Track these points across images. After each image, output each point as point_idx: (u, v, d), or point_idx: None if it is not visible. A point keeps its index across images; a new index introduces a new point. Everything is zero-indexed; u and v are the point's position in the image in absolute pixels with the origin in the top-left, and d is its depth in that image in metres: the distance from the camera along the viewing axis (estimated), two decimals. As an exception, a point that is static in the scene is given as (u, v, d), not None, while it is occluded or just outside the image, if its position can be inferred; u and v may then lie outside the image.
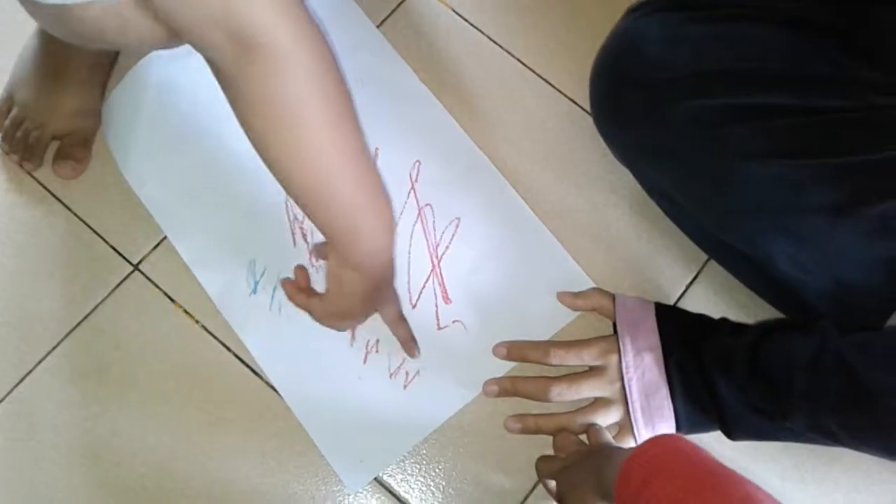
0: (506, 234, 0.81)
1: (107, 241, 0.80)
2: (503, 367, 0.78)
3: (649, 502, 0.52)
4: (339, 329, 0.76)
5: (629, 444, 0.73)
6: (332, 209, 0.64)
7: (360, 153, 0.63)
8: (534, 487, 0.76)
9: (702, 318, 0.76)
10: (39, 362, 0.78)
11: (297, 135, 0.59)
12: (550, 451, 0.75)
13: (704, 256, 0.81)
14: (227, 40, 0.54)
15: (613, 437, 0.74)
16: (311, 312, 0.74)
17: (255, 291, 0.79)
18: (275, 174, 0.62)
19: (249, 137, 0.60)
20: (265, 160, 0.61)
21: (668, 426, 0.72)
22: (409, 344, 0.77)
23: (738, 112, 0.68)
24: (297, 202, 0.64)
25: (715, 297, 0.81)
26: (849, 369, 0.62)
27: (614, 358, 0.73)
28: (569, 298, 0.79)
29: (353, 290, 0.69)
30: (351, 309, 0.72)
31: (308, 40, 0.56)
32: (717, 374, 0.69)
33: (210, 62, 0.57)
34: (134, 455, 0.76)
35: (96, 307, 0.79)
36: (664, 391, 0.71)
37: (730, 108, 0.68)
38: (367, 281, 0.69)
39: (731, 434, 0.71)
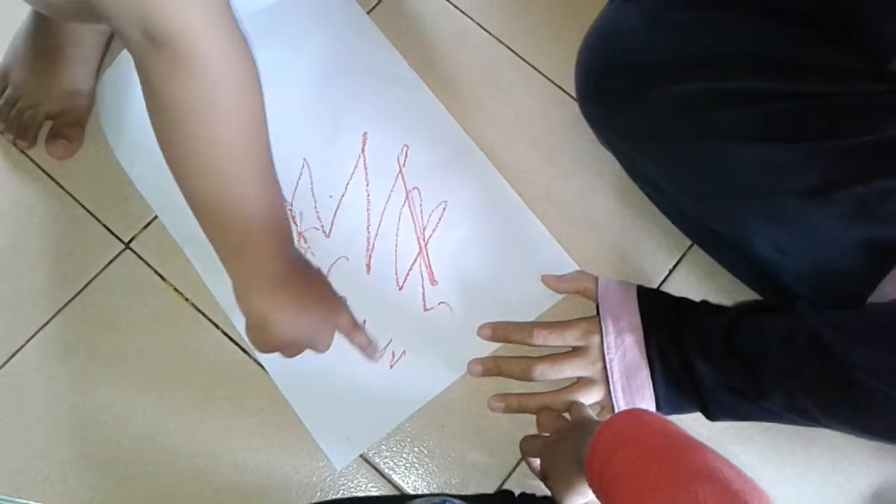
0: (492, 217, 0.82)
1: (98, 220, 0.82)
2: (488, 348, 0.79)
3: (611, 477, 0.53)
4: (289, 355, 0.72)
5: (610, 423, 0.75)
6: (219, 223, 0.64)
7: (257, 173, 0.62)
8: (517, 465, 0.77)
9: (682, 301, 0.77)
10: (30, 338, 0.79)
11: (191, 138, 0.59)
12: (533, 431, 0.77)
13: (688, 242, 0.83)
14: (140, 34, 0.54)
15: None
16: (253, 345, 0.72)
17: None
18: (171, 171, 0.62)
19: (153, 127, 0.61)
20: (163, 153, 0.61)
21: (648, 406, 0.73)
22: (369, 350, 0.77)
23: (719, 96, 0.69)
24: (189, 206, 0.64)
25: (697, 282, 0.82)
26: (823, 348, 0.63)
27: (596, 338, 0.75)
28: (553, 281, 0.80)
29: (265, 319, 0.67)
30: (281, 338, 0.69)
31: (223, 47, 0.56)
32: (695, 355, 0.71)
33: (127, 48, 0.58)
34: (122, 429, 0.77)
35: (87, 284, 0.80)
36: (644, 372, 0.73)
37: (712, 93, 0.69)
38: (276, 307, 0.66)
39: (711, 415, 0.73)
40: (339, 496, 0.76)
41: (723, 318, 0.72)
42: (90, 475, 0.76)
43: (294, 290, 0.68)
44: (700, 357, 0.70)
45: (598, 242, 0.83)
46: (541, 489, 0.75)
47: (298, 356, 0.73)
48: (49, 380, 0.78)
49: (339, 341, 0.78)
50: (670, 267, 0.83)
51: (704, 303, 0.76)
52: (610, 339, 0.74)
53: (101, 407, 0.77)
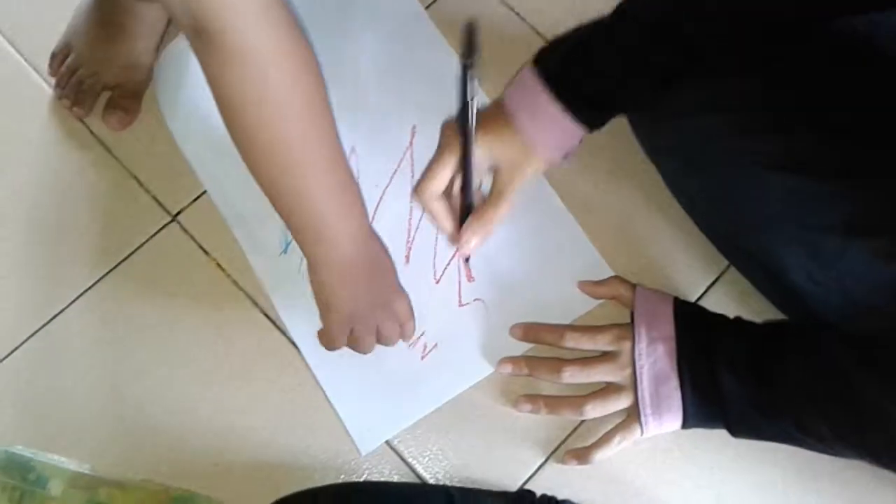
0: (533, 219, 0.83)
1: (148, 191, 0.83)
2: (519, 348, 0.79)
3: None
4: (361, 350, 0.75)
5: (635, 433, 0.75)
6: (296, 211, 0.66)
7: (321, 166, 0.64)
8: (540, 466, 0.78)
9: (718, 317, 0.77)
10: (72, 302, 0.81)
11: (247, 129, 0.60)
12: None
13: (725, 261, 0.83)
14: (190, 26, 0.56)
15: (620, 424, 0.76)
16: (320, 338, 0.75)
17: (285, 252, 0.81)
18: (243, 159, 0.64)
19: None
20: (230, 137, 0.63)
21: (674, 417, 0.73)
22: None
23: (755, 121, 0.70)
24: (262, 191, 0.66)
25: (732, 302, 0.81)
26: (845, 381, 0.64)
27: (627, 344, 0.75)
28: (589, 286, 0.81)
29: (333, 294, 0.71)
30: (344, 313, 0.72)
31: (273, 41, 0.57)
32: (722, 369, 0.71)
33: (183, 32, 0.59)
34: (156, 398, 0.78)
35: (132, 253, 0.81)
36: (674, 382, 0.73)
37: (746, 118, 0.70)
38: (345, 283, 0.70)
39: (733, 430, 0.73)
40: (361, 480, 0.77)
41: (753, 334, 0.72)
42: (121, 440, 0.77)
43: (363, 269, 0.71)
44: (727, 372, 0.71)
45: (636, 254, 0.83)
46: (563, 491, 0.75)
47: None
48: (88, 344, 0.80)
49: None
50: (707, 284, 0.83)
51: (738, 319, 0.76)
52: (642, 346, 0.74)
53: (136, 374, 0.79)
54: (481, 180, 0.76)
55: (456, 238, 0.76)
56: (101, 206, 0.83)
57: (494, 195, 0.74)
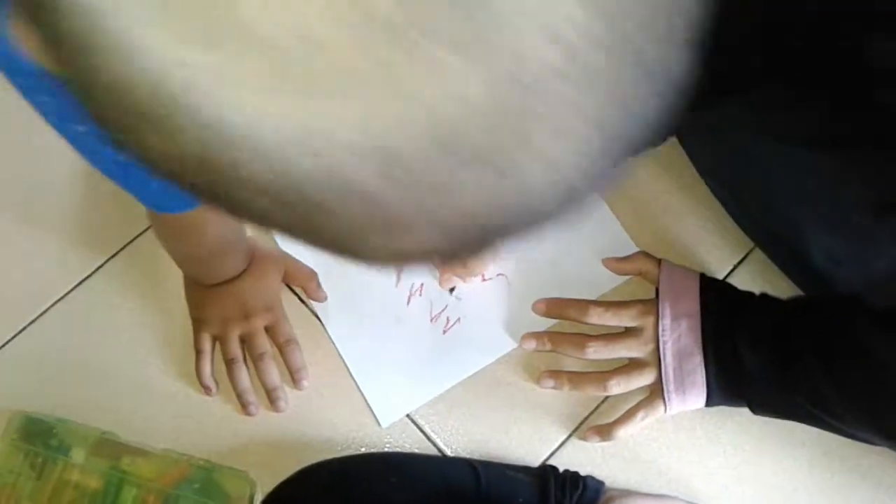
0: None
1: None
2: (541, 324, 0.79)
3: None
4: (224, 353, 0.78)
5: (659, 409, 0.74)
6: (185, 265, 0.76)
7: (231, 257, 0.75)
8: (563, 443, 0.77)
9: (744, 294, 0.76)
10: (99, 267, 0.81)
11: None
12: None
13: (751, 242, 0.82)
14: None
15: (643, 401, 0.75)
16: None
17: (310, 223, 0.81)
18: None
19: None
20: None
21: (698, 394, 0.73)
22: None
23: (784, 99, 0.69)
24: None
25: (756, 284, 0.80)
26: (867, 352, 0.63)
27: (651, 320, 0.74)
28: (614, 262, 0.80)
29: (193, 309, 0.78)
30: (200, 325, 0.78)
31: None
32: (745, 345, 0.70)
33: None
34: (179, 365, 0.79)
35: (158, 223, 0.82)
36: (698, 358, 0.72)
37: (776, 95, 0.69)
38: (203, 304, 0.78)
39: (754, 408, 0.72)
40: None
41: (778, 311, 0.71)
42: (144, 407, 0.78)
43: (223, 294, 0.77)
44: (750, 349, 0.70)
45: (662, 233, 0.82)
46: (584, 469, 0.75)
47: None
48: (113, 311, 0.80)
49: (397, 303, 0.79)
50: (733, 264, 0.82)
51: (764, 295, 0.75)
52: (666, 321, 0.73)
53: (160, 344, 0.79)
54: None
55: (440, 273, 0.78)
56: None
57: None
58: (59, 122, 0.45)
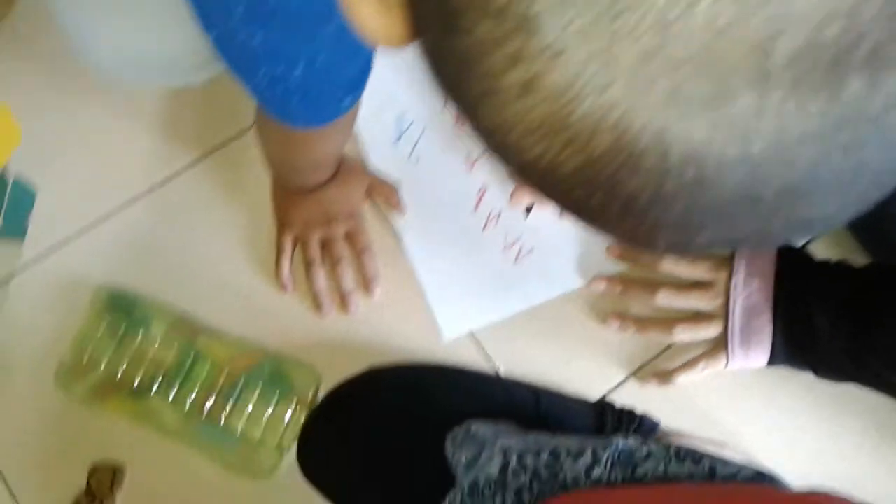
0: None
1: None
2: (612, 267, 0.80)
3: None
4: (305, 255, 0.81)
5: (720, 362, 0.75)
6: (278, 164, 0.77)
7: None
8: (622, 382, 0.79)
9: (823, 262, 0.76)
10: (196, 162, 0.84)
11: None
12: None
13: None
14: None
15: (706, 353, 0.76)
16: None
17: (399, 139, 0.83)
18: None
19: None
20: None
21: (762, 352, 0.73)
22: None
23: None
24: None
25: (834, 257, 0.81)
26: None
27: (724, 275, 0.75)
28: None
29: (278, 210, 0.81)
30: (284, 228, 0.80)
31: None
32: (818, 310, 0.70)
33: None
34: (261, 262, 0.82)
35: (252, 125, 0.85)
36: (767, 316, 0.73)
37: None
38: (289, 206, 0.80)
39: (819, 371, 0.72)
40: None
41: (855, 277, 0.71)
42: (223, 297, 0.81)
43: (311, 198, 0.80)
44: (823, 313, 0.70)
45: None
46: (641, 409, 0.76)
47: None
48: (204, 204, 0.83)
49: (473, 227, 0.81)
50: (811, 235, 0.82)
51: (842, 262, 0.75)
52: (739, 277, 0.74)
53: (245, 241, 0.82)
54: None
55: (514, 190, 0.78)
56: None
57: None
58: (240, 23, 0.47)
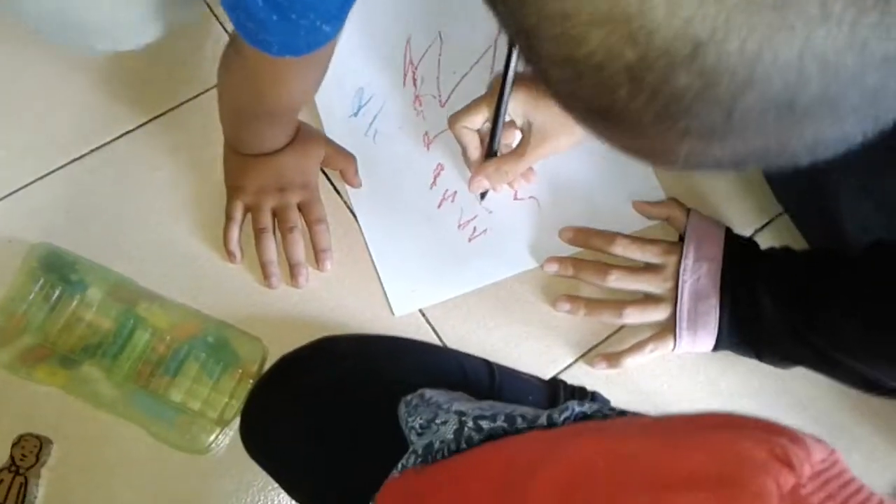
0: (599, 135, 0.84)
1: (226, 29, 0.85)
2: (564, 251, 0.80)
3: None
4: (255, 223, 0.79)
5: (668, 345, 0.76)
6: (234, 130, 0.75)
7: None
8: (570, 364, 0.79)
9: (768, 249, 0.78)
10: (146, 123, 0.82)
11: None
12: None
13: (779, 209, 0.84)
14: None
15: (654, 335, 0.77)
16: None
17: (356, 114, 0.82)
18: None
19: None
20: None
21: (708, 335, 0.74)
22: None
23: None
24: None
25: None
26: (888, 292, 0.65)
27: (674, 259, 0.76)
28: (644, 206, 0.82)
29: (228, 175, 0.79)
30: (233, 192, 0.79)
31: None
32: (763, 292, 0.72)
33: None
34: (208, 228, 0.79)
35: (209, 90, 0.83)
36: (714, 300, 0.74)
37: None
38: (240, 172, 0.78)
39: (762, 353, 0.74)
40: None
41: (798, 259, 0.74)
42: (167, 262, 0.78)
43: (264, 164, 0.78)
44: (767, 294, 0.72)
45: (692, 188, 0.84)
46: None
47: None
48: (149, 167, 0.81)
49: (429, 204, 0.81)
50: (757, 227, 0.84)
51: (787, 248, 0.77)
52: (688, 261, 0.75)
53: (191, 204, 0.80)
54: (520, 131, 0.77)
55: (472, 175, 0.78)
56: (184, 39, 0.84)
57: (517, 153, 0.76)
58: None
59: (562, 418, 0.57)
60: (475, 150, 0.78)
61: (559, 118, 0.74)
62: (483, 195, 0.81)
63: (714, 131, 0.28)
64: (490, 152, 0.77)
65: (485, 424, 0.58)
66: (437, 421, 0.59)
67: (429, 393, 0.63)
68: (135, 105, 0.82)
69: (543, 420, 0.57)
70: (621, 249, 0.78)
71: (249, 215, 0.79)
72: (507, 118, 0.75)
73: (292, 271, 0.78)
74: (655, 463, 0.41)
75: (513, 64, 0.70)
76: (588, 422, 0.56)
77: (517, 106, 0.74)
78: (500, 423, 0.58)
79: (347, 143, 0.81)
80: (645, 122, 0.29)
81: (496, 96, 0.73)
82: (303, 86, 0.71)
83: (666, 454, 0.41)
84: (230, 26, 0.77)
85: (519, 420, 0.59)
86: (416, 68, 0.84)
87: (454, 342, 0.78)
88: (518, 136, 0.77)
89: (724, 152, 0.30)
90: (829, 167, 0.71)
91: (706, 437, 0.41)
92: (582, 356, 0.79)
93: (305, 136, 0.78)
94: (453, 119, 0.77)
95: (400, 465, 0.59)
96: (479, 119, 0.76)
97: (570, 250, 0.81)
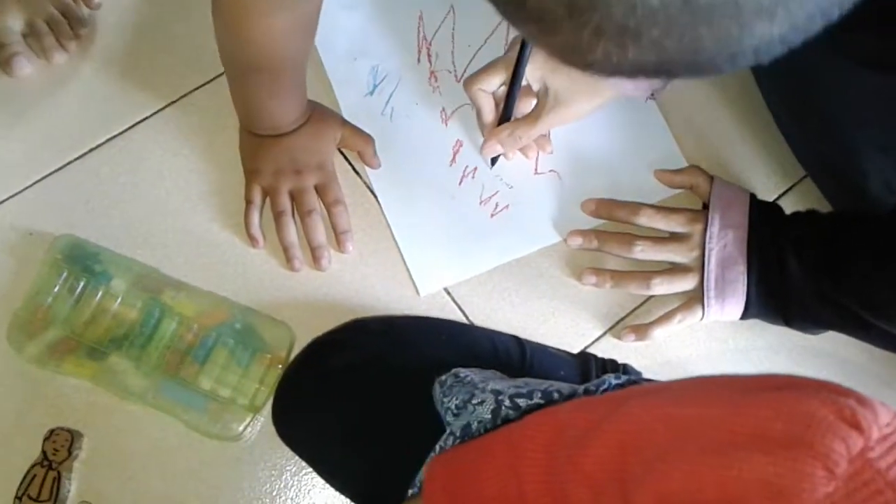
0: (621, 106, 0.83)
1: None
2: (587, 223, 0.80)
3: None
4: (273, 206, 0.78)
5: (697, 315, 0.75)
6: (244, 103, 0.75)
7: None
8: (598, 338, 0.78)
9: (793, 213, 0.77)
10: (160, 110, 0.81)
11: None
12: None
13: (802, 172, 0.83)
14: None
15: (682, 305, 0.76)
16: None
17: (371, 93, 0.82)
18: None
19: None
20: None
21: (737, 303, 0.74)
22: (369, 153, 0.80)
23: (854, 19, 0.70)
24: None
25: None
26: None
27: (699, 227, 0.75)
28: (666, 175, 0.81)
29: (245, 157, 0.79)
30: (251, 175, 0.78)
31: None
32: (790, 256, 0.71)
33: None
34: (229, 214, 0.79)
35: (222, 74, 0.81)
36: (741, 267, 0.73)
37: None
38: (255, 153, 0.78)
39: (790, 318, 0.73)
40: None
41: (824, 223, 0.73)
42: (189, 250, 0.78)
43: (277, 145, 0.77)
44: (794, 258, 0.71)
45: (714, 155, 0.83)
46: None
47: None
48: (168, 154, 0.80)
49: (449, 181, 0.80)
50: (781, 192, 0.83)
51: (812, 210, 0.76)
52: (714, 229, 0.74)
53: (210, 191, 0.79)
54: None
55: (485, 140, 0.78)
56: (197, 24, 0.83)
57: (531, 118, 0.75)
58: None
59: (600, 392, 0.57)
60: (489, 114, 0.77)
61: (577, 84, 0.73)
62: (494, 161, 0.80)
63: (625, 30, 0.30)
64: (505, 116, 0.76)
65: (522, 402, 0.58)
66: (474, 401, 0.59)
67: (463, 372, 0.63)
68: (149, 92, 0.81)
69: (581, 394, 0.57)
70: (646, 220, 0.77)
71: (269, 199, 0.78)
72: (525, 82, 0.74)
73: (314, 254, 0.77)
74: (718, 424, 0.41)
75: None
76: (631, 387, 0.56)
77: (534, 69, 0.73)
78: (536, 399, 0.58)
79: (364, 123, 0.80)
80: (559, 17, 0.30)
81: (514, 58, 0.72)
82: (294, 45, 0.69)
83: (728, 414, 0.41)
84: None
85: (556, 395, 0.58)
86: (429, 44, 0.83)
87: (480, 320, 0.78)
88: (533, 103, 0.76)
89: (643, 56, 0.31)
90: (849, 126, 0.71)
91: (770, 397, 0.41)
92: (610, 329, 0.79)
93: (320, 116, 0.77)
94: (469, 81, 0.76)
95: (438, 448, 0.59)
96: (496, 81, 0.75)
97: (593, 223, 0.80)
